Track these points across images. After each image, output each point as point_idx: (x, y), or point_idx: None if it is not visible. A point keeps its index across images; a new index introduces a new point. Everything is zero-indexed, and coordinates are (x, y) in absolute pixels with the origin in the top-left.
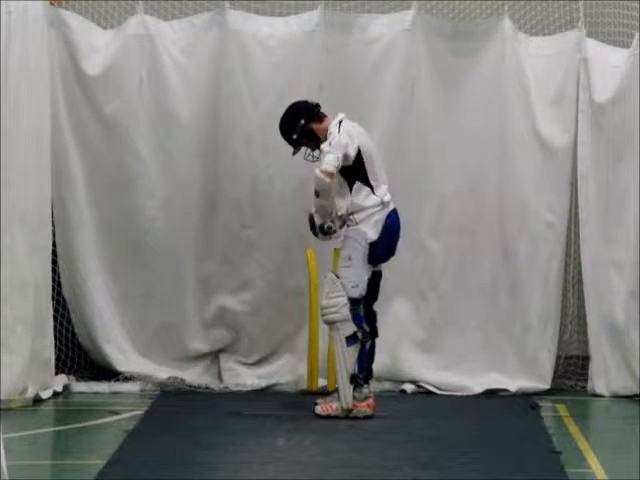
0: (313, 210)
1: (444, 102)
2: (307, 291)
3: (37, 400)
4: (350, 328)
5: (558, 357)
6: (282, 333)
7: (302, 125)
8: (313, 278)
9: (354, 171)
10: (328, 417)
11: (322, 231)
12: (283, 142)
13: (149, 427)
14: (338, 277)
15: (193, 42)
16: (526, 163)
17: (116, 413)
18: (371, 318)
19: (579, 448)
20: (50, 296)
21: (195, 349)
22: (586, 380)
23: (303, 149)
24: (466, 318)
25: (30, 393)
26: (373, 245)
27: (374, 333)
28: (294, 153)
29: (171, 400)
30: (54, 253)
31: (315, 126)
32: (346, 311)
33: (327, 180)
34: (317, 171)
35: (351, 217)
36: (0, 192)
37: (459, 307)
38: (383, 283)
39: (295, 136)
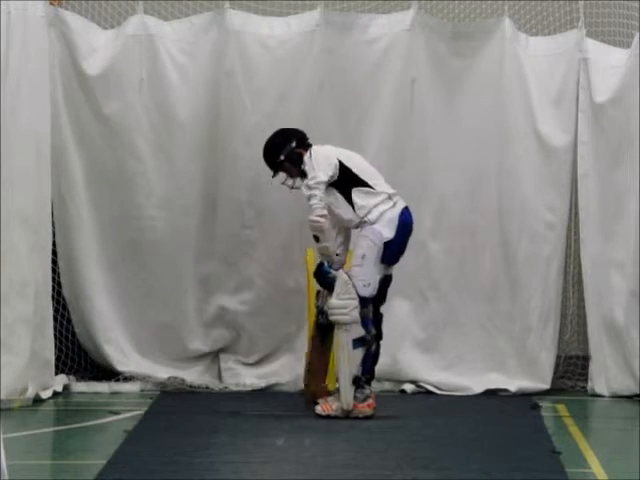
0: (318, 256)
1: (444, 102)
2: (307, 291)
3: (37, 400)
4: (358, 331)
5: (558, 357)
6: (282, 333)
7: (292, 148)
8: (312, 278)
9: (345, 181)
10: (328, 417)
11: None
12: None
13: (149, 427)
14: (350, 278)
15: (193, 42)
16: (526, 163)
17: (116, 413)
18: (377, 320)
19: (579, 448)
20: (50, 296)
21: (195, 349)
22: (586, 380)
23: (281, 175)
24: (466, 318)
25: (30, 393)
26: (387, 244)
27: (379, 335)
28: (274, 176)
29: (171, 400)
30: (54, 253)
31: (302, 152)
32: (356, 314)
33: (321, 221)
34: (311, 218)
35: (365, 219)
36: (0, 192)
37: (459, 307)
38: None
39: (282, 157)
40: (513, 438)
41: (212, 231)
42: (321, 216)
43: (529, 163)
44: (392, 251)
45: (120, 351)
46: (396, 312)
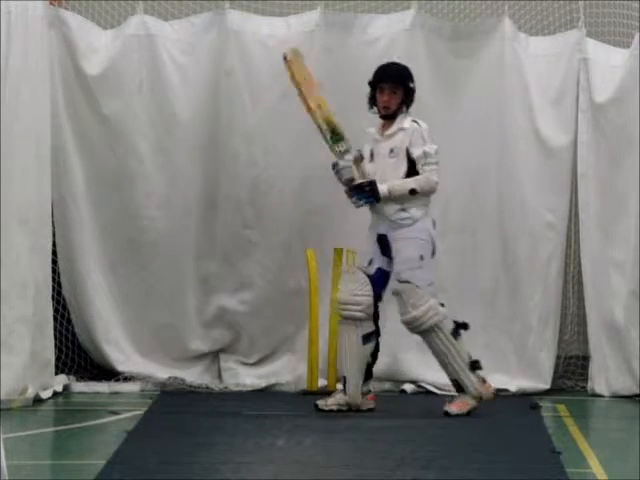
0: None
1: (444, 102)
2: (307, 291)
3: (37, 400)
4: (370, 327)
5: (558, 357)
6: (282, 333)
7: (414, 89)
8: (313, 278)
9: (415, 173)
10: (331, 411)
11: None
12: (283, 142)
13: (149, 427)
14: (368, 275)
15: (193, 42)
16: (526, 163)
17: (116, 413)
18: (377, 317)
19: (579, 448)
20: (50, 296)
21: (195, 349)
22: (586, 380)
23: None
24: (466, 318)
25: (30, 393)
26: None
27: (378, 332)
28: (373, 83)
29: (171, 400)
30: (54, 253)
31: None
32: (371, 311)
33: (436, 188)
34: (432, 179)
35: (407, 214)
36: (0, 192)
37: (459, 307)
38: None
39: (412, 85)
40: (513, 438)
41: (212, 231)
42: (437, 182)
43: (529, 163)
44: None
45: (120, 351)
46: (396, 312)
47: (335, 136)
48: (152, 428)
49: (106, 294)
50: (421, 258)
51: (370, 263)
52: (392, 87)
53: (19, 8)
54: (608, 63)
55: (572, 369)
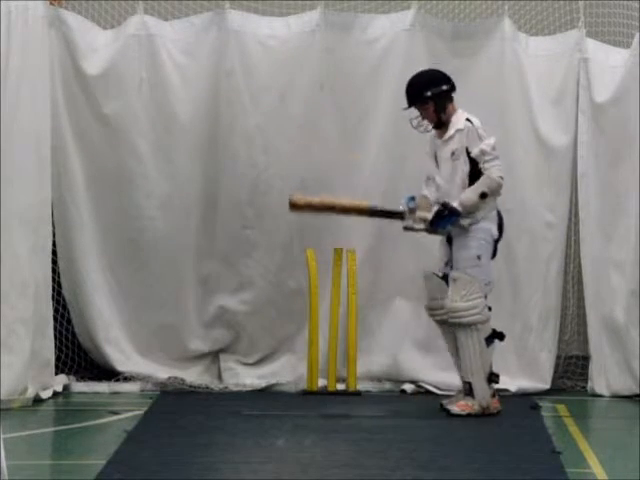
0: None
1: None
2: (307, 291)
3: (37, 400)
4: (489, 329)
5: (558, 357)
6: (282, 333)
7: (445, 90)
8: (313, 278)
9: (477, 170)
10: (460, 416)
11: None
12: (283, 141)
13: (149, 427)
14: (447, 275)
15: (193, 42)
16: (526, 163)
17: (116, 413)
18: None
19: (579, 448)
20: (50, 296)
21: (195, 349)
22: (586, 380)
23: (414, 115)
24: None
25: (30, 393)
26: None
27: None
28: (406, 109)
29: (171, 400)
30: (54, 253)
31: (450, 101)
32: (488, 313)
33: (502, 183)
34: (496, 176)
35: (472, 215)
36: (0, 192)
37: None
38: (383, 283)
39: (430, 93)
40: (513, 438)
41: (212, 231)
42: (502, 178)
43: (529, 163)
44: (496, 248)
45: (120, 351)
46: (397, 312)
47: (384, 216)
48: (152, 428)
49: (106, 294)
50: (478, 258)
51: (446, 264)
52: (417, 106)
53: (19, 8)
54: (608, 63)
55: (572, 369)
